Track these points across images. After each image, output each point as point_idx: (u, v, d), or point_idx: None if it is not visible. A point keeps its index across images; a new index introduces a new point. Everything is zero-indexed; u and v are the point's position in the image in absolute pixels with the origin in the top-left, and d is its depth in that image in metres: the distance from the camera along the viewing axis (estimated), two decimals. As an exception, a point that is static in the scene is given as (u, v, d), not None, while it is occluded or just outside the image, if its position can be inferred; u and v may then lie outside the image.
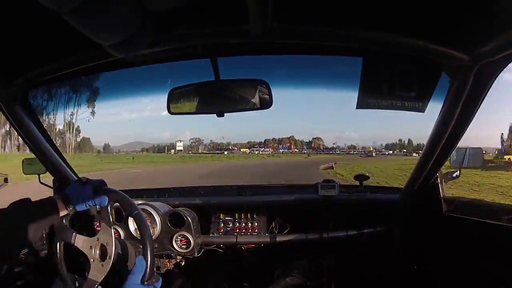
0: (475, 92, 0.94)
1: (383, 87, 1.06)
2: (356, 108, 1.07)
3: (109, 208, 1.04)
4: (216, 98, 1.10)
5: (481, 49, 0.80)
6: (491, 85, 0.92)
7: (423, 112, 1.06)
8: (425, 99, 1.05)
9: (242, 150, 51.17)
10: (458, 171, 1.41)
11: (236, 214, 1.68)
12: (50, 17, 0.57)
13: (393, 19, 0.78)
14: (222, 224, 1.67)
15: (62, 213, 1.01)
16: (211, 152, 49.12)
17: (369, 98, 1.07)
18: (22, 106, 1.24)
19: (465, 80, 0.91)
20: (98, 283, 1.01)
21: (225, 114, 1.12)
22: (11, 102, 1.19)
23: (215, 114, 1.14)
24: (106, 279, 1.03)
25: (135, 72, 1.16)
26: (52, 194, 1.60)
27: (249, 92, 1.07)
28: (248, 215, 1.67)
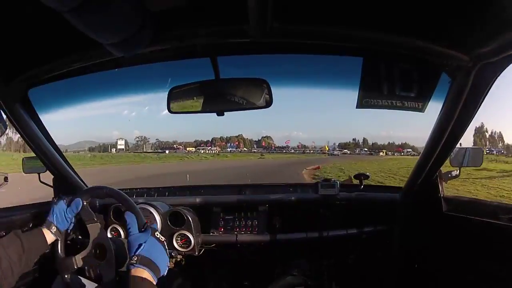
0: (475, 92, 0.94)
1: (383, 87, 1.06)
2: (356, 107, 1.07)
3: (86, 206, 1.10)
4: (216, 97, 1.10)
5: (481, 50, 0.80)
6: (491, 86, 0.92)
7: (423, 112, 1.06)
8: (425, 99, 1.05)
9: (188, 149, 48.93)
10: (458, 171, 1.41)
11: (236, 213, 1.68)
12: (50, 16, 0.58)
13: (393, 20, 0.78)
14: (222, 223, 1.67)
15: (50, 240, 1.05)
16: (154, 151, 47.23)
17: (369, 98, 1.07)
18: (23, 104, 1.24)
19: (465, 80, 0.91)
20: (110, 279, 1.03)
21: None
22: (12, 101, 1.19)
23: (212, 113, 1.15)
24: (106, 276, 1.04)
25: (134, 71, 1.17)
26: (52, 193, 1.62)
27: (249, 91, 1.07)
28: (248, 214, 1.67)
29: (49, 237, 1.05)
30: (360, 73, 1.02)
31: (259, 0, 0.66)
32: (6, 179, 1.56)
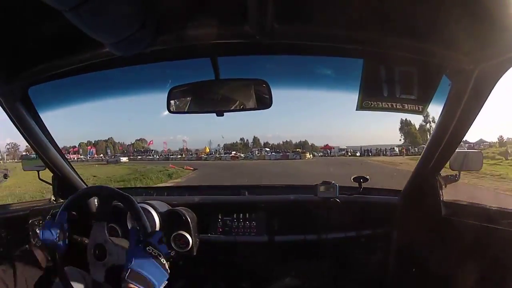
0: (475, 95, 0.93)
1: (384, 89, 1.06)
2: (356, 109, 1.07)
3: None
4: (216, 98, 1.10)
5: (481, 53, 0.80)
6: (493, 88, 0.92)
7: (423, 115, 1.06)
8: (425, 101, 1.05)
9: None
10: (458, 174, 1.40)
11: (235, 214, 1.67)
12: (51, 15, 0.58)
13: (393, 22, 0.78)
14: (220, 224, 1.66)
15: (42, 259, 1.07)
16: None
17: (370, 100, 1.07)
18: (23, 103, 1.24)
19: (465, 83, 0.90)
20: (102, 282, 1.03)
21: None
22: (12, 99, 1.19)
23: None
24: (107, 276, 1.04)
25: (135, 71, 1.17)
26: (51, 191, 1.63)
27: (248, 91, 1.07)
28: (247, 215, 1.67)
29: (40, 256, 1.06)
30: (360, 75, 1.02)
31: (259, 1, 0.66)
32: (6, 176, 1.57)
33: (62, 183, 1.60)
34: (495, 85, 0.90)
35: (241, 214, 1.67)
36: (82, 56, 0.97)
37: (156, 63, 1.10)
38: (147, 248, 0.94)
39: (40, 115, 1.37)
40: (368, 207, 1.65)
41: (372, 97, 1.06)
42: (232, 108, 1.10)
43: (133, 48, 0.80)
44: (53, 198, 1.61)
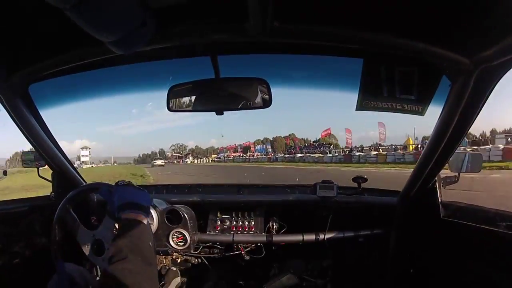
0: (475, 96, 0.93)
1: (383, 89, 1.06)
2: (356, 109, 1.07)
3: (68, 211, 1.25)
4: (216, 96, 1.10)
5: (482, 53, 0.79)
6: (492, 89, 0.91)
7: (423, 115, 1.06)
8: (425, 102, 1.05)
9: (186, 159, 41.63)
10: (457, 176, 1.40)
11: (234, 213, 1.68)
12: (51, 12, 0.58)
13: (394, 21, 0.77)
14: (219, 222, 1.67)
15: None
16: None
17: (369, 100, 1.07)
18: (23, 100, 1.25)
19: (465, 84, 0.90)
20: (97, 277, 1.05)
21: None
22: (12, 96, 1.19)
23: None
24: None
25: (135, 69, 1.17)
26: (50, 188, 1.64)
27: (248, 90, 1.07)
28: (246, 214, 1.67)
29: None
30: (360, 75, 1.02)
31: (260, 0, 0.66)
32: (5, 173, 1.59)
33: (62, 180, 1.61)
34: (495, 85, 0.90)
35: (240, 213, 1.68)
36: (82, 54, 0.97)
37: (156, 61, 1.10)
38: (118, 183, 1.02)
39: (40, 113, 1.37)
40: (367, 207, 1.65)
41: (372, 97, 1.06)
42: (232, 107, 1.10)
43: (133, 46, 0.80)
44: (52, 194, 1.62)
